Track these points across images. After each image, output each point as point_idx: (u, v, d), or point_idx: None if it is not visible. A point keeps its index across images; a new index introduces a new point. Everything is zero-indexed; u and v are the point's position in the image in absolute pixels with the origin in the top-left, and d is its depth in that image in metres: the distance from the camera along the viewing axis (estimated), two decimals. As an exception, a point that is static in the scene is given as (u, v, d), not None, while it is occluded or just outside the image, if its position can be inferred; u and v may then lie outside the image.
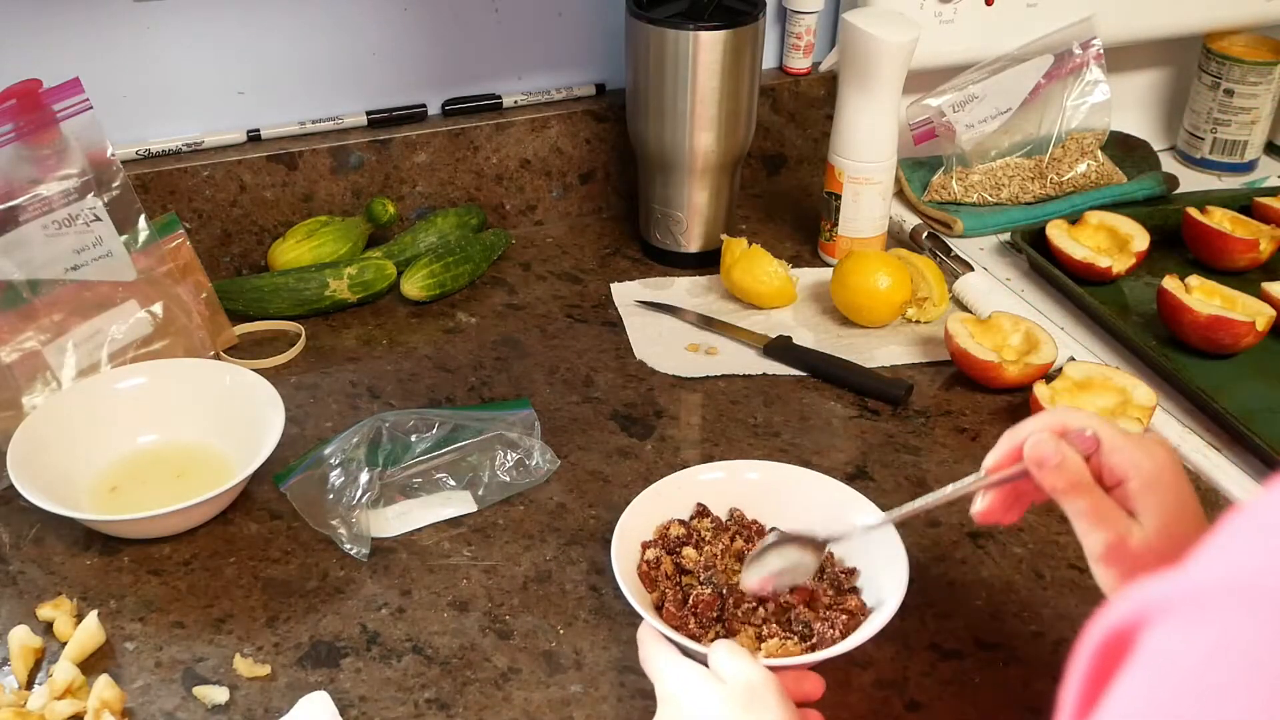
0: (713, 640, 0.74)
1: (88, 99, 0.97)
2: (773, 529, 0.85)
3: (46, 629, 0.81)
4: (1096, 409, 1.01)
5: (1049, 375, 1.06)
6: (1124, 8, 1.37)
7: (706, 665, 0.70)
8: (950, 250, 1.26)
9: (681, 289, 1.22)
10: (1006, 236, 1.30)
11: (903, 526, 0.83)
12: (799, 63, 1.37)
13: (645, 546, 0.84)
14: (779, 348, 1.11)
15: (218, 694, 0.77)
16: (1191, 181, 1.44)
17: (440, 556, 0.88)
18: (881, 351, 1.13)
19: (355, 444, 0.93)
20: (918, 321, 1.16)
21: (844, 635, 0.76)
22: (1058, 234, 1.24)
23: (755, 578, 0.77)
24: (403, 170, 1.23)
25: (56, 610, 0.82)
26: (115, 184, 1.00)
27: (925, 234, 1.30)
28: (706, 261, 1.25)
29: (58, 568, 0.87)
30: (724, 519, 0.87)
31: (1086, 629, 0.35)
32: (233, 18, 1.14)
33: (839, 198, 1.22)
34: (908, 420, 1.04)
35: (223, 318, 1.10)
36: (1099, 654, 0.34)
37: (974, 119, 1.33)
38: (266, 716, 0.76)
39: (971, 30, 1.32)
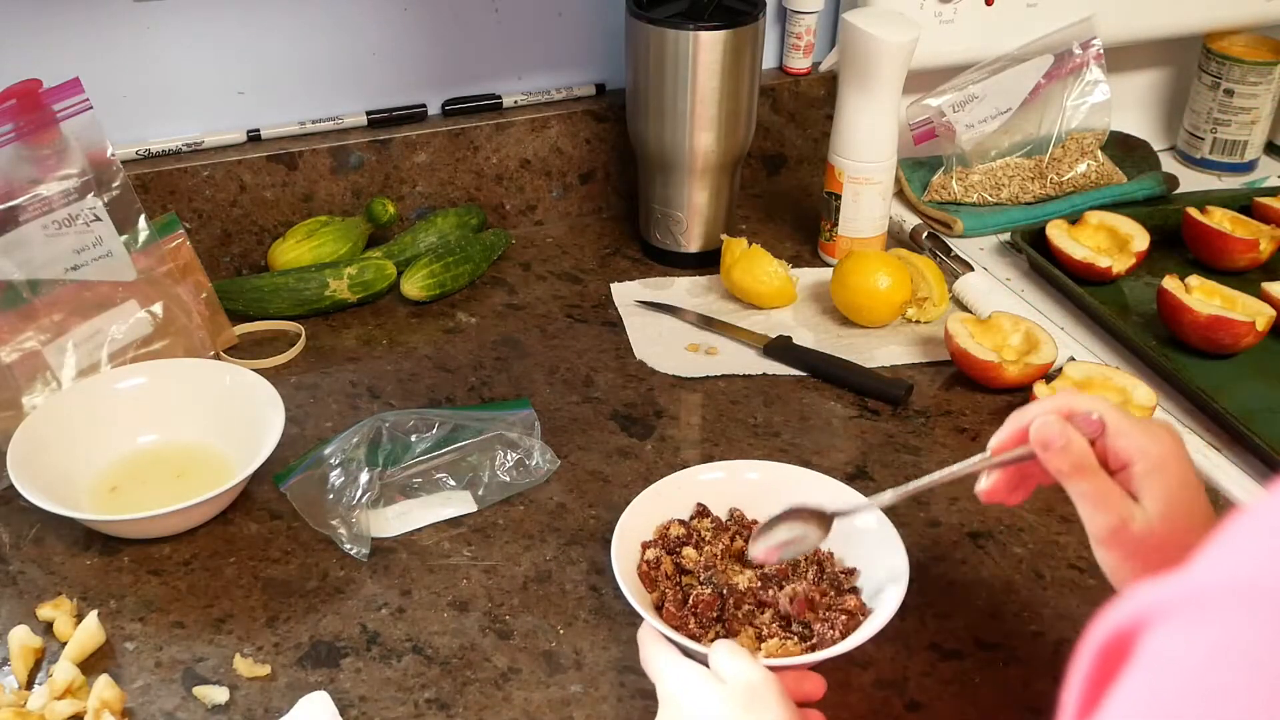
0: (713, 640, 0.74)
1: (88, 99, 0.97)
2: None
3: (46, 629, 0.81)
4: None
5: (1049, 375, 1.06)
6: (1124, 8, 1.37)
7: (707, 665, 0.70)
8: (950, 250, 1.26)
9: (681, 289, 1.22)
10: (1006, 236, 1.30)
11: (903, 526, 0.83)
12: (799, 63, 1.37)
13: (645, 546, 0.84)
14: (779, 348, 1.11)
15: (218, 694, 0.77)
16: (1191, 181, 1.44)
17: (440, 556, 0.88)
18: (881, 351, 1.13)
19: (355, 444, 0.93)
20: (918, 321, 1.16)
21: (844, 635, 0.76)
22: (1058, 234, 1.24)
23: (762, 548, 0.78)
24: (403, 170, 1.23)
25: (56, 610, 0.82)
26: (115, 184, 1.00)
27: (925, 234, 1.30)
28: (706, 261, 1.25)
29: (58, 568, 0.87)
30: (724, 519, 0.87)
31: (1088, 630, 0.35)
32: (233, 18, 1.14)
33: (839, 198, 1.22)
34: (908, 420, 1.04)
35: (223, 318, 1.10)
36: (1101, 655, 0.34)
37: (974, 119, 1.33)
38: (266, 716, 0.76)
39: (971, 30, 1.32)
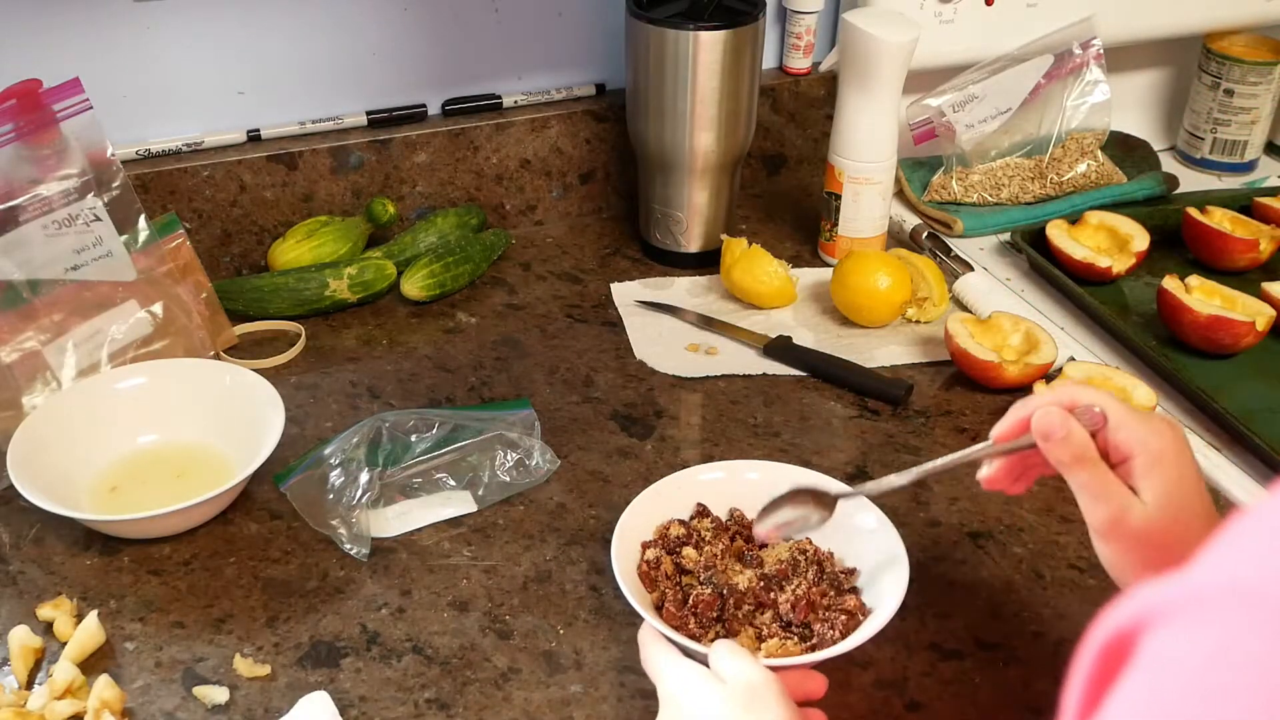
0: (713, 640, 0.74)
1: (88, 99, 0.97)
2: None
3: (46, 629, 0.81)
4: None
5: (1049, 375, 1.06)
6: (1124, 8, 1.37)
7: (707, 665, 0.70)
8: (950, 250, 1.26)
9: (681, 289, 1.22)
10: (1006, 236, 1.30)
11: (903, 526, 0.83)
12: (799, 63, 1.37)
13: (645, 546, 0.84)
14: (779, 348, 1.11)
15: (218, 694, 0.77)
16: (1191, 181, 1.44)
17: (440, 556, 0.88)
18: (881, 351, 1.13)
19: (355, 444, 0.93)
20: (918, 321, 1.16)
21: (844, 635, 0.76)
22: (1058, 234, 1.24)
23: (766, 526, 0.80)
24: (403, 170, 1.23)
25: (56, 610, 0.82)
26: (115, 184, 1.00)
27: (925, 234, 1.30)
28: (706, 261, 1.25)
29: (58, 568, 0.87)
30: (724, 519, 0.87)
31: (1089, 631, 0.35)
32: (233, 18, 1.14)
33: (839, 198, 1.22)
34: (908, 420, 1.04)
35: (223, 318, 1.10)
36: (1102, 656, 0.34)
37: (974, 119, 1.33)
38: (266, 716, 0.76)
39: (971, 30, 1.32)
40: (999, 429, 0.74)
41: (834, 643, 0.76)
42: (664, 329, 1.15)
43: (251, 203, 1.18)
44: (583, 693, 0.78)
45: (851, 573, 0.83)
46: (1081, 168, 1.35)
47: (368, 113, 1.22)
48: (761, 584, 0.81)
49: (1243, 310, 1.12)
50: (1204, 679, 0.30)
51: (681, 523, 0.85)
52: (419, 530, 0.90)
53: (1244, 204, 1.31)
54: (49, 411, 0.94)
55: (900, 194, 1.36)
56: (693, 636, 0.76)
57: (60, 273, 0.98)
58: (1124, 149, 1.42)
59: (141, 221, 1.02)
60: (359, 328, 1.15)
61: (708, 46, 1.12)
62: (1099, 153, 1.37)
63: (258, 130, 1.19)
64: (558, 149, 1.29)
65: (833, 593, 0.80)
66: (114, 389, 0.97)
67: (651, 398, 1.06)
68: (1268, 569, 0.31)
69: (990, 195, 1.34)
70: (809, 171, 1.42)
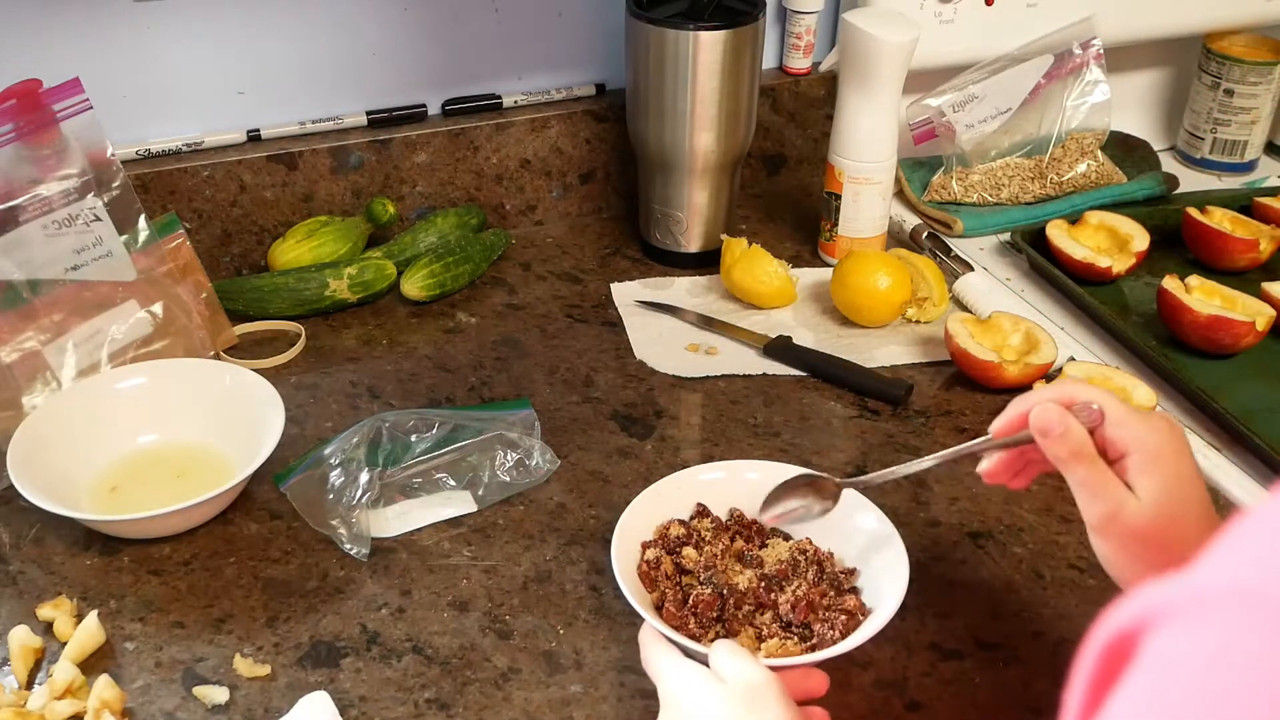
0: (713, 640, 0.74)
1: (88, 99, 0.97)
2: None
3: (46, 629, 0.81)
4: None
5: (1049, 375, 1.06)
6: (1124, 8, 1.37)
7: (707, 665, 0.70)
8: (950, 250, 1.26)
9: (681, 289, 1.22)
10: (1006, 236, 1.30)
11: (903, 526, 0.83)
12: (799, 63, 1.37)
13: (645, 546, 0.84)
14: (779, 348, 1.11)
15: (218, 694, 0.77)
16: (1191, 181, 1.44)
17: (440, 556, 0.88)
18: (881, 351, 1.13)
19: (355, 444, 0.93)
20: (918, 321, 1.16)
21: (844, 635, 0.76)
22: (1058, 234, 1.24)
23: (770, 513, 0.81)
24: (403, 170, 1.23)
25: (56, 610, 0.82)
26: (115, 184, 1.00)
27: (925, 234, 1.30)
28: (706, 261, 1.25)
29: (58, 568, 0.87)
30: (724, 519, 0.87)
31: (1091, 632, 0.35)
32: (233, 18, 1.14)
33: (839, 198, 1.22)
34: (908, 420, 1.04)
35: (223, 318, 1.10)
36: (1103, 657, 0.34)
37: (974, 119, 1.33)
38: (266, 716, 0.76)
39: (971, 30, 1.32)
40: (998, 424, 0.75)
41: (834, 643, 0.76)
42: (664, 329, 1.15)
43: (251, 203, 1.18)
44: (583, 693, 0.78)
45: (851, 573, 0.83)
46: (1081, 168, 1.35)
47: (368, 113, 1.22)
48: (761, 584, 0.81)
49: (1243, 310, 1.12)
50: (1205, 680, 0.30)
51: (681, 523, 0.85)
52: (419, 530, 0.90)
53: (1244, 204, 1.32)
54: (49, 411, 0.94)
55: (900, 194, 1.36)
56: (693, 636, 0.76)
57: (60, 273, 0.98)
58: (1124, 149, 1.42)
59: (141, 221, 1.02)
60: (359, 328, 1.15)
61: (708, 46, 1.12)
62: (1099, 153, 1.37)
63: (258, 130, 1.19)
64: (558, 149, 1.29)
65: (833, 593, 0.80)
66: (114, 389, 0.97)
67: (651, 398, 1.06)
68: (1269, 570, 0.31)
69: (990, 195, 1.34)
70: (809, 171, 1.42)
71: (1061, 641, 0.83)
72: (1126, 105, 1.48)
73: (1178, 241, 1.28)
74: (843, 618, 0.78)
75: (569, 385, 1.07)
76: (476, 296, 1.20)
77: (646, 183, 1.24)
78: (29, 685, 0.78)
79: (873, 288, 1.13)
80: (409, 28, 1.21)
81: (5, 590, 0.85)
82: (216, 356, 1.06)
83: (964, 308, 1.19)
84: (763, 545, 0.85)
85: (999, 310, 1.13)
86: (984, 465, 0.77)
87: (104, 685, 0.74)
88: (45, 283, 0.98)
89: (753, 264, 1.16)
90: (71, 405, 0.95)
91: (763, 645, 0.77)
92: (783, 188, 1.41)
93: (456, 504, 0.92)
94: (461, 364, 1.10)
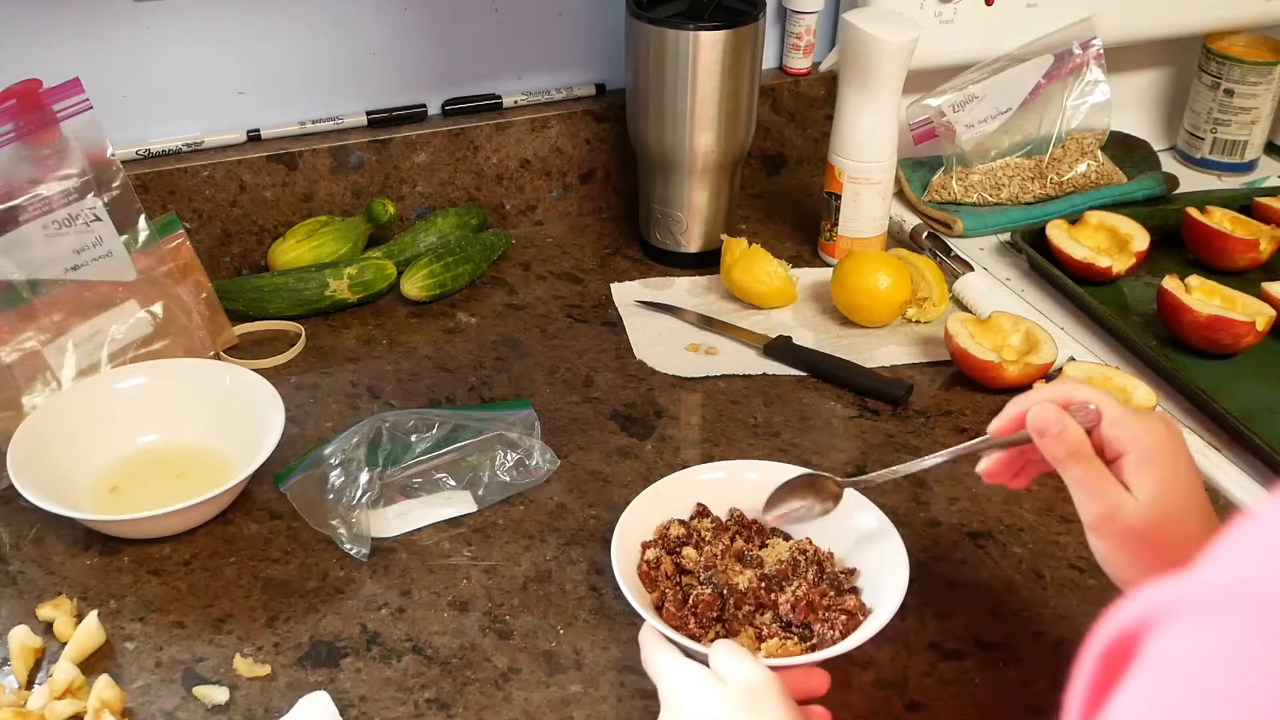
0: (713, 640, 0.74)
1: (88, 99, 0.97)
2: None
3: (46, 629, 0.81)
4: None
5: (1049, 375, 1.06)
6: (1124, 8, 1.37)
7: (707, 665, 0.70)
8: (950, 250, 1.26)
9: (681, 289, 1.22)
10: (1006, 236, 1.30)
11: (903, 526, 0.83)
12: (799, 63, 1.37)
13: (645, 546, 0.84)
14: (779, 348, 1.11)
15: (218, 694, 0.77)
16: (1191, 181, 1.44)
17: (440, 556, 0.88)
18: (881, 351, 1.13)
19: (355, 444, 0.93)
20: (918, 321, 1.16)
21: (844, 635, 0.76)
22: (1058, 234, 1.24)
23: (772, 514, 0.82)
24: (403, 170, 1.23)
25: (56, 610, 0.82)
26: (115, 184, 1.00)
27: (925, 234, 1.30)
28: (706, 261, 1.25)
29: (58, 568, 0.87)
30: (724, 519, 0.87)
31: (1092, 632, 0.35)
32: (233, 18, 1.14)
33: (839, 198, 1.22)
34: (908, 420, 1.04)
35: (223, 318, 1.10)
36: (1105, 657, 0.34)
37: (974, 119, 1.33)
38: (266, 716, 0.76)
39: (971, 30, 1.32)
40: (996, 424, 0.76)
41: (834, 643, 0.76)
42: (664, 329, 1.15)
43: (251, 203, 1.18)
44: (583, 693, 0.78)
45: (851, 573, 0.83)
46: (1081, 168, 1.35)
47: (368, 113, 1.22)
48: (761, 584, 0.81)
49: (1243, 310, 1.12)
50: (1207, 680, 0.30)
51: (681, 523, 0.85)
52: (419, 530, 0.90)
53: (1244, 204, 1.32)
54: (49, 411, 0.94)
55: (900, 194, 1.36)
56: (693, 636, 0.76)
57: (60, 273, 0.98)
58: (1124, 149, 1.42)
59: (141, 221, 1.02)
60: (359, 328, 1.15)
61: (708, 46, 1.12)
62: (1099, 153, 1.37)
63: (258, 130, 1.19)
64: (558, 149, 1.29)
65: (833, 593, 0.80)
66: (114, 389, 0.97)
67: (651, 398, 1.06)
68: (1270, 570, 0.31)
69: (990, 195, 1.34)
70: (809, 171, 1.42)
71: (1061, 641, 0.83)
72: (1126, 105, 1.48)
73: (1178, 241, 1.28)
74: (843, 618, 0.78)
75: (569, 385, 1.07)
76: (476, 296, 1.20)
77: (646, 183, 1.24)
78: (29, 685, 0.78)
79: (873, 288, 1.13)
80: (409, 28, 1.21)
81: (5, 590, 0.85)
82: (216, 356, 1.06)
83: (964, 308, 1.19)
84: (763, 545, 0.85)
85: (999, 310, 1.13)
86: (983, 465, 0.77)
87: (104, 685, 0.74)
88: (45, 283, 0.98)
89: (753, 264, 1.16)
90: (71, 405, 0.95)
91: (763, 645, 0.77)
92: (783, 188, 1.41)
93: (456, 504, 0.92)
94: (461, 364, 1.10)
